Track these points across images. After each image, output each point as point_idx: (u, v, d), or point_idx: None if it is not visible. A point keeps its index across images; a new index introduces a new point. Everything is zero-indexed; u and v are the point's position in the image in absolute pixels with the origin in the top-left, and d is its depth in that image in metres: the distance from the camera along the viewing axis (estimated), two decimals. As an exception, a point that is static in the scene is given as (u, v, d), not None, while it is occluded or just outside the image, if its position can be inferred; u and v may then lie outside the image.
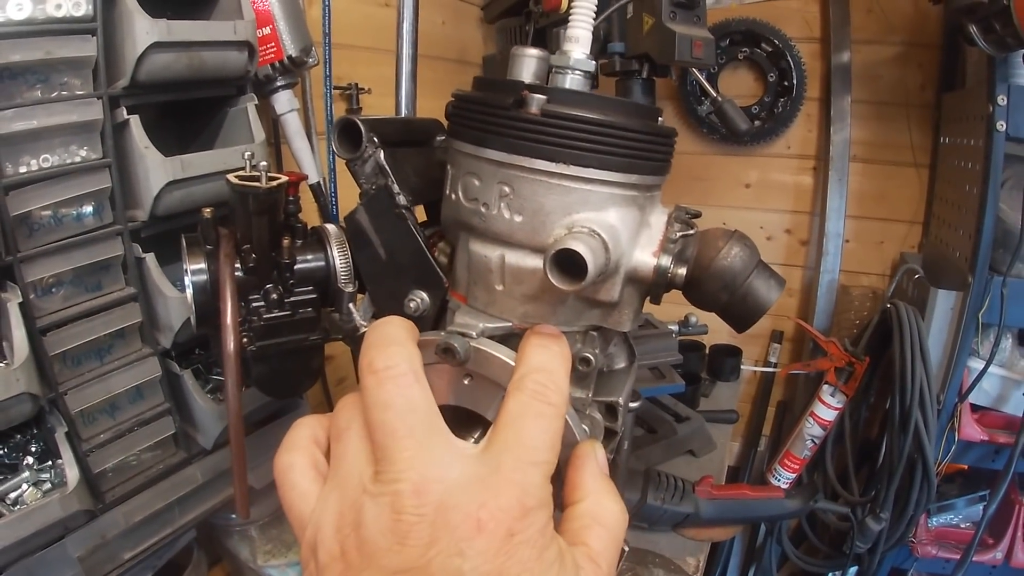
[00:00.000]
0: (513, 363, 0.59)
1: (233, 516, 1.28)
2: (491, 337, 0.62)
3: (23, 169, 0.95)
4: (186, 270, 0.75)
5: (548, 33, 1.53)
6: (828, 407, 1.80)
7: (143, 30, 0.98)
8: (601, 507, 0.49)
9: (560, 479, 0.67)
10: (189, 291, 0.74)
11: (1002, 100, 1.55)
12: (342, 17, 1.45)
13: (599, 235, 0.58)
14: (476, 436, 0.67)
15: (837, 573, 1.90)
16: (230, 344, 0.68)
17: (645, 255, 0.63)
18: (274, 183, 0.72)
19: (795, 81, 1.93)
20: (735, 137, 1.98)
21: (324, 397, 1.52)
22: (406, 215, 0.69)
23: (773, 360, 2.16)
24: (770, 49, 1.95)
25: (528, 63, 0.68)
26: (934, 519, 1.86)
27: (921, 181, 1.95)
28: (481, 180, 0.60)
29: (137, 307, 1.05)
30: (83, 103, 0.99)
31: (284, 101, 1.24)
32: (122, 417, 1.07)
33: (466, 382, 0.62)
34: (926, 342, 1.63)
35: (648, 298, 0.69)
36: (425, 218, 0.83)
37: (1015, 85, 1.54)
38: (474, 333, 0.60)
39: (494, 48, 1.93)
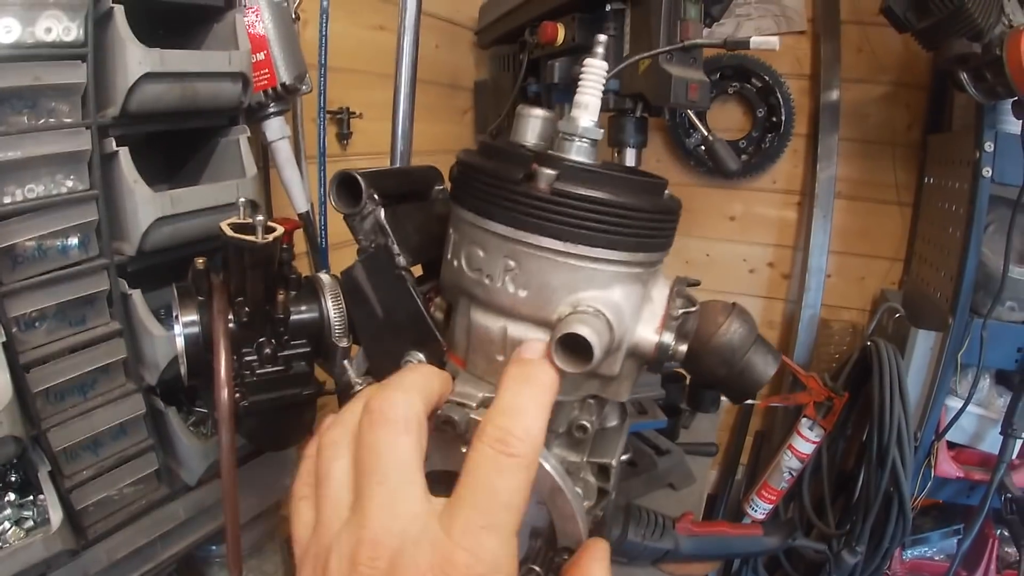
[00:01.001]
0: (512, 436, 0.58)
1: (214, 548, 1.26)
2: (489, 407, 0.61)
3: (8, 199, 0.92)
4: (176, 320, 0.73)
5: (541, 64, 1.52)
6: (806, 440, 1.81)
7: (135, 60, 0.95)
8: None
9: (545, 536, 0.66)
10: (180, 343, 0.72)
11: (989, 146, 1.57)
12: (333, 40, 1.43)
13: (604, 315, 0.57)
14: None
15: (812, 604, 1.90)
16: (225, 403, 0.66)
17: (647, 332, 0.62)
18: (270, 236, 0.70)
19: (784, 117, 1.94)
20: (724, 175, 1.99)
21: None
22: (406, 276, 0.67)
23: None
24: (760, 85, 1.96)
25: (534, 124, 0.67)
26: (909, 551, 1.87)
27: (904, 219, 1.97)
28: (486, 252, 0.59)
29: (122, 343, 1.02)
30: (71, 132, 0.96)
31: (276, 128, 1.21)
32: (105, 453, 1.04)
33: (464, 450, 0.60)
34: (905, 380, 1.64)
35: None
36: (421, 271, 0.82)
37: (1003, 132, 1.56)
38: (473, 404, 0.59)
39: (486, 73, 1.91)
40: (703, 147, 1.91)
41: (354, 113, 1.48)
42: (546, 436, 0.68)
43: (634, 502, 1.38)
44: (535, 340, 0.52)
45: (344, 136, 1.46)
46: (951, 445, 1.75)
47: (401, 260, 0.67)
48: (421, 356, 0.68)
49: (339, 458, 0.45)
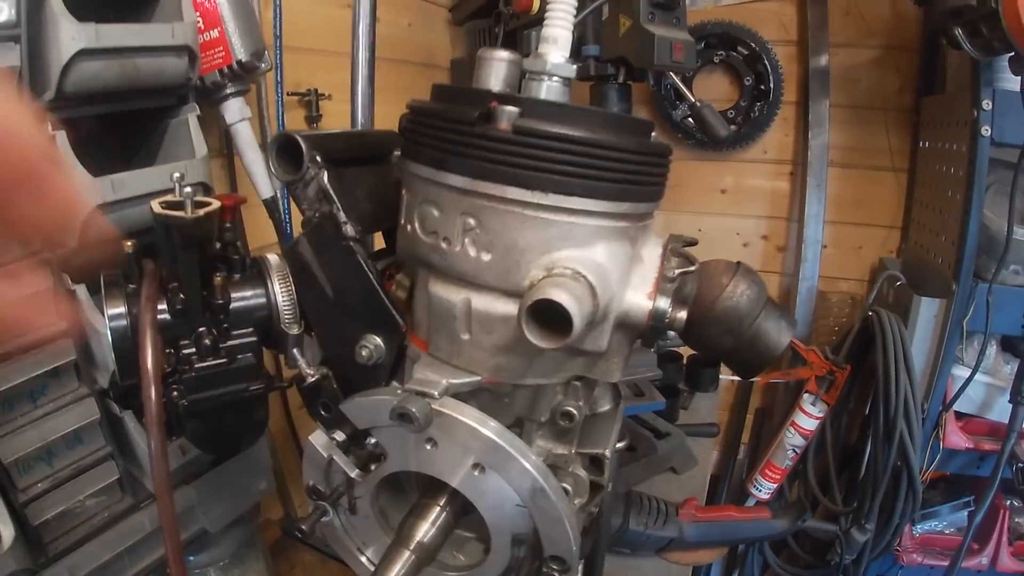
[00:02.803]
0: (482, 428, 0.48)
1: (192, 558, 1.15)
2: (456, 395, 0.50)
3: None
4: (104, 315, 0.62)
5: (519, 36, 1.41)
6: (809, 416, 1.71)
7: (69, 35, 0.85)
8: None
9: (530, 543, 0.55)
10: (108, 339, 0.61)
11: (987, 104, 1.47)
12: (301, 19, 1.32)
13: (584, 278, 0.46)
14: (441, 502, 0.55)
15: (820, 583, 1.81)
16: (152, 405, 0.55)
17: (639, 297, 0.51)
18: (202, 211, 0.59)
19: (772, 85, 1.83)
20: (714, 143, 1.88)
21: (286, 424, 1.39)
22: (354, 248, 0.56)
23: (750, 368, 2.06)
24: (746, 52, 1.85)
25: (497, 68, 0.55)
26: (918, 526, 1.78)
27: (899, 185, 1.86)
28: (441, 210, 0.48)
29: (71, 344, 0.91)
30: (4, 118, 0.85)
31: (235, 110, 1.10)
32: (60, 464, 0.94)
33: (428, 447, 0.50)
34: (910, 351, 1.55)
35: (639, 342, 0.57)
36: (384, 244, 0.71)
37: (1000, 89, 1.46)
38: (436, 392, 0.48)
39: (462, 51, 1.80)
40: (690, 117, 1.82)
41: (323, 95, 1.36)
42: (528, 426, 0.58)
43: (634, 489, 1.28)
44: None
45: (314, 119, 1.35)
46: (959, 415, 1.65)
47: (348, 229, 0.56)
48: (378, 340, 0.57)
49: None
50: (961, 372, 1.61)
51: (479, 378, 0.51)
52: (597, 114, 0.47)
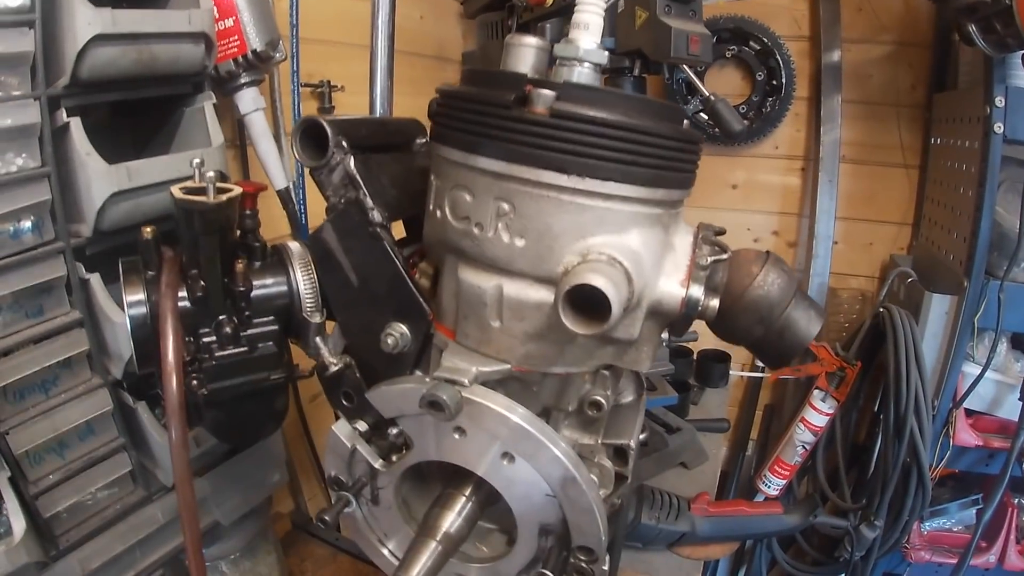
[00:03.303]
0: (512, 415, 0.47)
1: (203, 551, 1.14)
2: (485, 383, 0.50)
3: (-49, 180, 0.80)
4: (124, 301, 0.61)
5: (532, 29, 1.39)
6: (819, 413, 1.70)
7: (84, 21, 0.84)
8: None
9: (557, 533, 0.54)
10: (127, 325, 0.61)
11: (1000, 102, 1.45)
12: (314, 10, 1.30)
13: (620, 264, 0.45)
14: (467, 492, 0.54)
15: (828, 580, 1.80)
16: (172, 394, 0.54)
17: (671, 285, 0.50)
18: (224, 197, 0.58)
19: (784, 80, 1.82)
20: (728, 138, 1.87)
21: (298, 416, 1.38)
22: (381, 235, 0.55)
23: (761, 364, 2.05)
24: (758, 47, 1.83)
25: (526, 54, 0.54)
26: (927, 524, 1.76)
27: (911, 182, 1.85)
28: (474, 195, 0.47)
29: (84, 333, 0.90)
30: (19, 105, 0.84)
31: (248, 99, 1.09)
32: (72, 455, 0.93)
33: (456, 436, 0.49)
34: (920, 347, 1.53)
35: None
36: (404, 234, 0.70)
37: (1013, 87, 1.44)
38: (466, 380, 0.47)
39: (474, 44, 1.79)
40: (703, 111, 1.81)
41: (335, 86, 1.35)
42: (555, 416, 0.57)
43: (646, 483, 1.27)
44: None
45: (326, 110, 1.34)
46: (969, 412, 1.63)
47: (376, 215, 0.55)
48: (404, 328, 0.56)
49: None
50: (971, 369, 1.59)
51: (508, 366, 0.50)
52: (633, 99, 0.46)
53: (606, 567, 0.54)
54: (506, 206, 0.45)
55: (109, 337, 0.91)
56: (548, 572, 0.52)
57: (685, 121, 0.53)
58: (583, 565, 0.53)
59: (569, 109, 0.44)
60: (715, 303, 0.50)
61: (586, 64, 0.50)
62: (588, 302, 0.42)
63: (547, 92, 0.44)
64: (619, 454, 0.60)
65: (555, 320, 0.45)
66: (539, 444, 0.47)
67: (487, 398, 0.47)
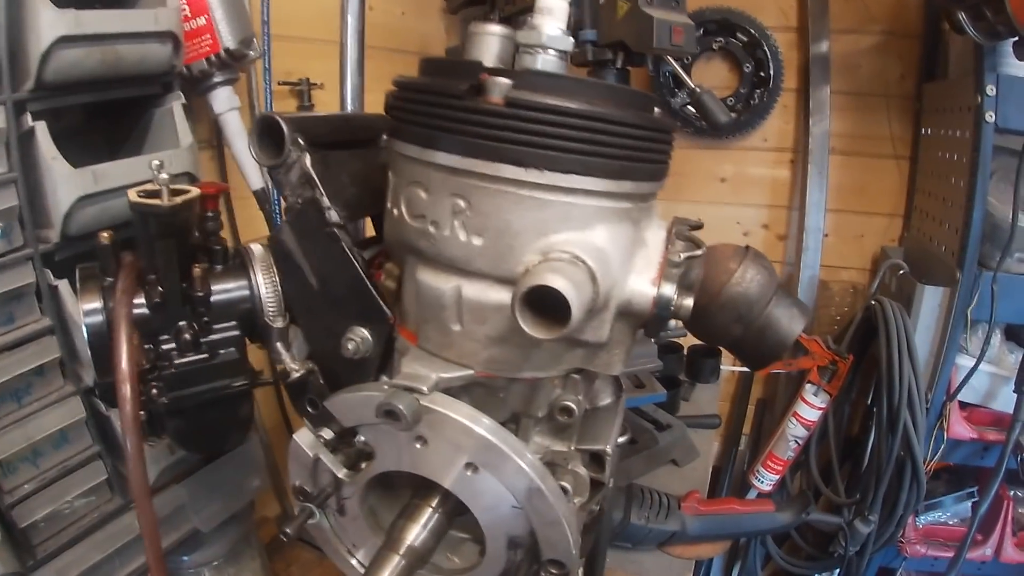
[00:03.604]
0: (475, 426, 0.44)
1: (186, 558, 1.11)
2: (447, 389, 0.47)
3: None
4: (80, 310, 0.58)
5: (515, 23, 1.36)
6: (811, 407, 1.67)
7: (47, 23, 0.81)
8: None
9: (527, 546, 0.52)
10: (84, 335, 0.58)
11: (991, 90, 1.42)
12: (292, 7, 1.27)
13: (584, 263, 0.42)
14: (434, 503, 0.51)
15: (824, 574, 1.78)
16: (127, 407, 0.51)
17: (642, 283, 0.47)
18: (179, 199, 0.55)
19: (772, 72, 1.78)
20: (714, 129, 1.83)
21: (282, 419, 1.35)
22: (339, 235, 0.52)
23: (752, 359, 2.03)
24: (745, 39, 1.80)
25: (490, 43, 0.51)
26: (922, 517, 1.74)
27: (901, 173, 1.82)
28: (429, 192, 0.44)
29: (55, 341, 0.88)
30: (-16, 111, 0.82)
31: (223, 99, 1.06)
32: (47, 464, 0.91)
33: (418, 446, 0.46)
34: (913, 340, 1.51)
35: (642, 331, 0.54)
36: (374, 232, 0.67)
37: (1004, 75, 1.41)
38: (425, 388, 0.45)
39: (457, 40, 1.75)
40: (690, 104, 1.78)
41: (315, 84, 1.32)
42: (524, 423, 0.54)
43: (635, 482, 1.25)
44: None
45: (306, 108, 1.30)
46: (963, 405, 1.61)
47: (332, 215, 0.52)
48: (365, 333, 0.53)
49: None
50: (965, 362, 1.57)
51: (471, 372, 0.47)
52: (596, 85, 0.43)
53: (578, 580, 0.51)
54: (462, 203, 0.42)
55: (80, 344, 0.88)
56: (517, 587, 0.49)
57: (656, 109, 0.50)
58: (554, 578, 0.50)
59: (526, 98, 0.41)
60: (689, 302, 0.48)
61: (550, 51, 0.47)
62: (549, 304, 0.39)
63: (503, 80, 0.41)
64: (595, 460, 0.57)
65: (517, 323, 0.42)
66: (503, 455, 0.44)
67: (448, 407, 0.44)
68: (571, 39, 0.48)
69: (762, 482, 1.78)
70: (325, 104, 1.34)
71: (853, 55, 1.80)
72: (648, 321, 0.48)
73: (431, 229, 0.44)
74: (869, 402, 1.69)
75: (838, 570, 1.74)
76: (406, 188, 0.45)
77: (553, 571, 0.49)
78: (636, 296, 0.47)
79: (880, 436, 1.53)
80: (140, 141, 1.00)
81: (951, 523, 1.74)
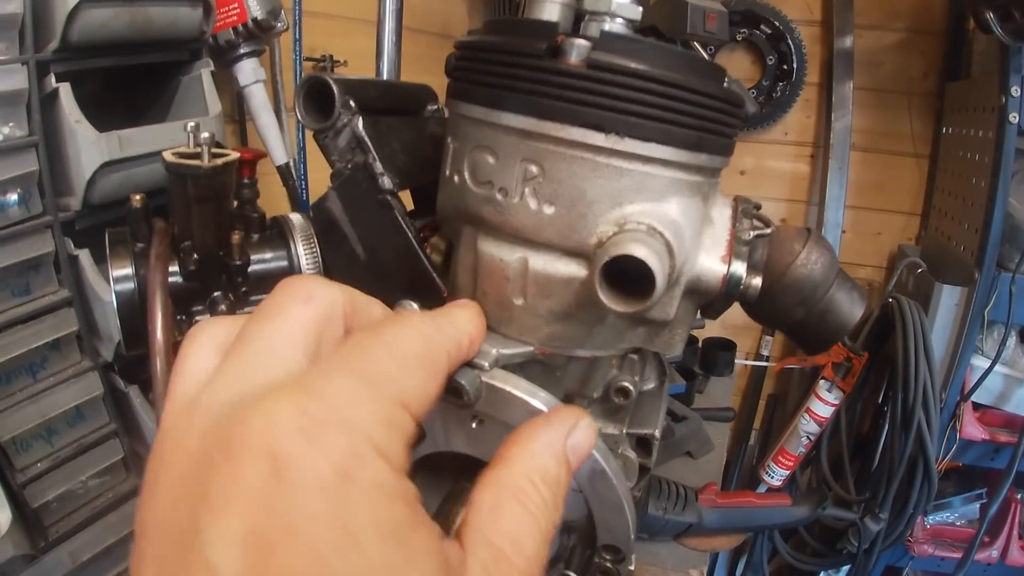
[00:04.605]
0: (536, 403, 0.42)
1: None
2: (506, 366, 0.44)
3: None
4: (110, 276, 0.56)
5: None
6: (825, 403, 1.66)
7: (74, -20, 0.78)
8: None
9: (581, 531, 0.50)
10: (113, 303, 0.55)
11: (1016, 91, 1.41)
12: (317, -19, 1.25)
13: (661, 235, 0.40)
14: None
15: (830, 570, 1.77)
16: (161, 378, 0.49)
17: (712, 260, 0.45)
18: (219, 161, 0.53)
19: (795, 65, 1.77)
20: (743, 107, 1.82)
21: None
22: (392, 202, 0.50)
23: (765, 353, 2.01)
24: (769, 31, 1.78)
25: (551, 9, 0.49)
26: (931, 517, 1.73)
27: (921, 171, 1.81)
28: (498, 157, 0.42)
29: (72, 313, 0.85)
30: (6, 70, 0.79)
31: (248, 71, 1.04)
32: (61, 442, 0.89)
33: (474, 426, 0.44)
34: (930, 339, 1.49)
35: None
36: (412, 206, 0.65)
37: (1029, 77, 1.40)
38: (486, 364, 0.42)
39: (479, 22, 1.73)
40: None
41: (338, 61, 1.30)
42: (578, 403, 0.52)
43: (653, 473, 1.23)
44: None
45: (328, 86, 1.28)
46: (976, 406, 1.60)
47: (386, 181, 0.49)
48: (415, 305, 0.51)
49: (202, 344, 0.28)
50: (980, 362, 1.56)
51: (531, 348, 0.45)
52: (675, 53, 0.41)
53: (632, 567, 0.49)
54: (534, 168, 0.40)
55: (99, 317, 0.86)
56: (571, 573, 0.47)
57: (725, 82, 0.47)
58: (608, 565, 0.48)
59: (608, 60, 0.38)
60: (757, 281, 0.45)
61: (618, 19, 0.44)
62: (626, 277, 0.37)
63: (583, 42, 0.39)
64: (642, 444, 0.55)
65: (585, 297, 0.40)
66: (566, 434, 0.41)
67: (509, 383, 0.42)
68: (639, 7, 0.45)
69: (772, 477, 1.77)
70: (348, 81, 1.32)
71: (876, 51, 1.79)
72: (714, 300, 0.46)
73: (498, 196, 0.41)
74: (881, 400, 1.68)
75: (844, 567, 1.73)
76: (471, 152, 0.43)
77: (607, 556, 0.47)
78: (706, 273, 0.44)
79: (893, 434, 1.52)
80: (164, 109, 0.97)
81: (959, 524, 1.74)
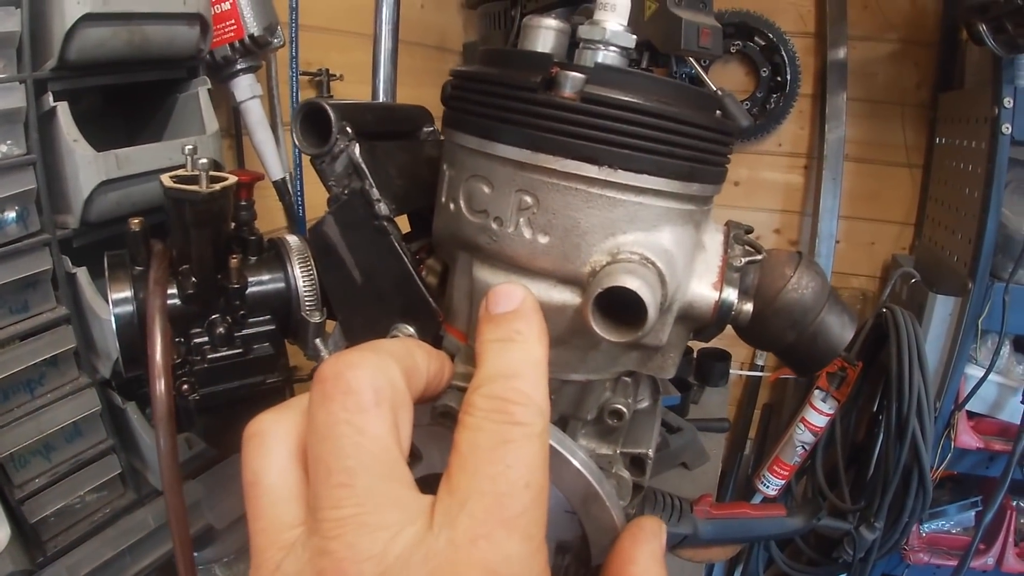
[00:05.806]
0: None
1: (196, 554, 1.09)
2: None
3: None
4: (109, 299, 0.56)
5: (568, 19, 1.35)
6: (819, 413, 1.67)
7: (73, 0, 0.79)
8: None
9: (575, 551, 0.50)
10: (113, 325, 0.56)
11: (1008, 103, 1.43)
12: (312, -2, 1.25)
13: (654, 264, 0.41)
14: None
15: (826, 580, 1.78)
16: (161, 400, 0.50)
17: (704, 287, 0.46)
18: (217, 186, 0.53)
19: (789, 77, 1.78)
20: (735, 134, 1.83)
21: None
22: (388, 228, 0.51)
23: (760, 363, 2.02)
24: (763, 43, 1.79)
25: (545, 36, 0.49)
26: (926, 525, 1.74)
27: (914, 181, 1.82)
28: (493, 187, 0.42)
29: (70, 330, 0.86)
30: (3, 88, 0.80)
31: (245, 87, 1.04)
32: (59, 458, 0.89)
33: (468, 448, 0.44)
34: (924, 348, 1.50)
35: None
36: (409, 228, 0.65)
37: (1022, 87, 1.42)
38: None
39: (475, 35, 1.74)
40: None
41: (334, 75, 1.30)
42: (572, 425, 0.53)
43: (648, 484, 1.23)
44: (507, 285, 0.34)
45: (324, 99, 1.28)
46: (970, 415, 1.61)
47: (382, 207, 0.50)
48: (411, 330, 0.52)
49: (271, 452, 0.29)
50: (974, 371, 1.57)
51: (525, 373, 0.46)
52: (668, 84, 0.42)
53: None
54: (529, 199, 0.41)
55: (97, 334, 0.86)
56: (566, 594, 0.47)
57: (718, 111, 0.48)
58: (603, 586, 0.48)
59: (601, 93, 0.39)
60: (749, 307, 0.46)
61: (612, 48, 0.45)
62: (619, 305, 0.38)
63: (576, 75, 0.40)
64: (636, 463, 0.56)
65: (579, 324, 0.41)
66: (560, 458, 0.42)
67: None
68: (633, 36, 0.46)
69: (768, 487, 1.77)
70: (344, 95, 1.33)
71: (870, 62, 1.80)
72: (706, 325, 0.47)
73: (493, 225, 0.42)
74: (876, 409, 1.68)
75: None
76: (467, 182, 0.44)
77: (602, 579, 0.48)
78: (698, 300, 0.45)
79: (888, 443, 1.53)
80: (161, 127, 0.97)
81: (954, 532, 1.75)
